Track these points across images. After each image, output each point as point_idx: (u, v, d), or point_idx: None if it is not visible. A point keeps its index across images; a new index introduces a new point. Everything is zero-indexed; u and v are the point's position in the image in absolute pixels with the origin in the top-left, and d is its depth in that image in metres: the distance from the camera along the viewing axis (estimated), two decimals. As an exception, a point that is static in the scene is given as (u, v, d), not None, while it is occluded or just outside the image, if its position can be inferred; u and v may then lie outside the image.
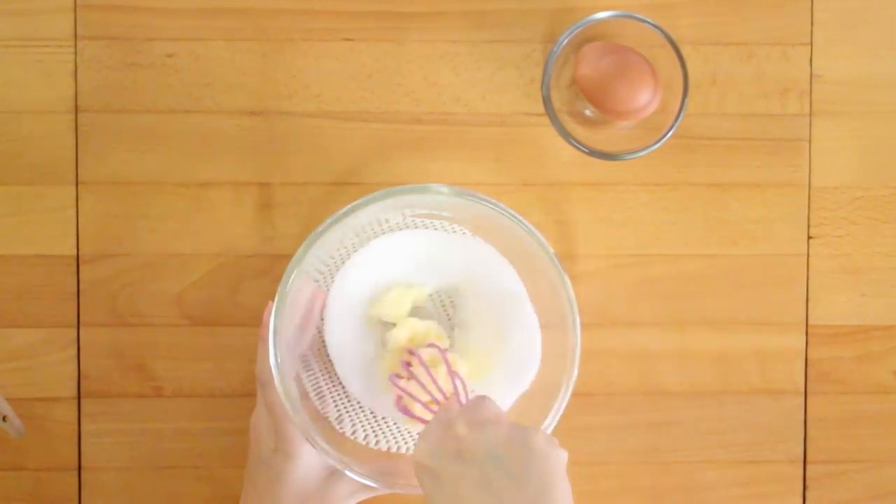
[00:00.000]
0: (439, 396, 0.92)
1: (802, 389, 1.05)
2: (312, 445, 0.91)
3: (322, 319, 0.99)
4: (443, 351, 0.94)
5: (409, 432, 1.00)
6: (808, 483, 1.05)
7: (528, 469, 0.79)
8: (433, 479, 0.82)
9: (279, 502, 0.92)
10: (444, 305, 1.00)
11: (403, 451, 0.99)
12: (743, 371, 1.05)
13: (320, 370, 1.00)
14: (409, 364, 0.94)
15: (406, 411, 0.92)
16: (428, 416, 0.92)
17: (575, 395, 0.94)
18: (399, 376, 0.94)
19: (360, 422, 0.99)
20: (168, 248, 1.03)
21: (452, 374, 0.92)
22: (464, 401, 0.90)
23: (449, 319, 1.00)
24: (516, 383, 0.98)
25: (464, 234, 1.00)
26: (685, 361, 1.05)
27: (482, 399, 0.86)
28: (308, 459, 0.93)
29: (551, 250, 0.94)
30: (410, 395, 0.92)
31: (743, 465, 1.05)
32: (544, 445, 0.80)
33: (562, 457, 0.81)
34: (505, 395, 0.98)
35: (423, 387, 0.92)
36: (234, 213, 1.03)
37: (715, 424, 1.05)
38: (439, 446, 0.83)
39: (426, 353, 0.94)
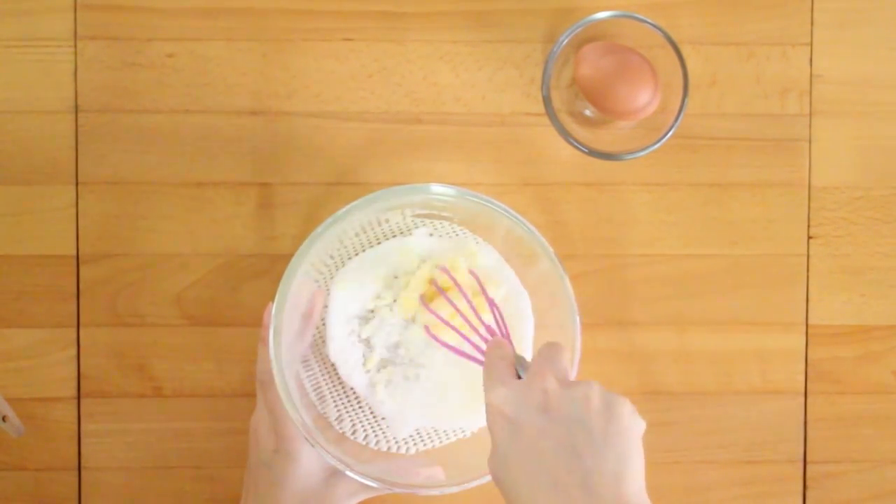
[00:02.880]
0: (477, 323, 0.90)
1: (802, 389, 1.05)
2: (312, 445, 0.91)
3: (322, 320, 0.99)
4: (478, 277, 0.93)
5: (409, 436, 1.00)
6: (808, 483, 1.05)
7: (612, 438, 0.78)
8: (512, 428, 0.79)
9: (279, 503, 0.92)
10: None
11: (403, 451, 0.99)
12: (743, 371, 1.05)
13: (320, 370, 1.00)
14: (439, 286, 0.93)
15: (437, 338, 0.91)
16: (454, 342, 0.91)
17: (575, 395, 0.93)
18: (428, 299, 0.93)
19: (360, 422, 0.99)
20: (168, 248, 1.02)
21: (491, 302, 0.91)
22: (503, 333, 0.89)
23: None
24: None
25: (464, 234, 1.00)
26: (685, 361, 1.04)
27: (557, 348, 0.83)
28: (308, 460, 0.93)
29: (551, 250, 0.93)
30: (443, 320, 0.91)
31: (743, 465, 1.05)
32: (629, 416, 0.79)
33: (641, 428, 0.80)
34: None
35: (458, 311, 0.91)
36: (233, 213, 1.02)
37: (715, 424, 1.04)
38: (524, 396, 0.80)
39: (461, 276, 0.94)
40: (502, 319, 0.90)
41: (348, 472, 0.92)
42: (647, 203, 1.04)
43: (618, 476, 0.77)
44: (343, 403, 1.00)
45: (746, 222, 1.04)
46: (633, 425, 0.79)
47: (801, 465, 1.05)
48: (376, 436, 0.99)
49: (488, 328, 0.89)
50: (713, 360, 1.05)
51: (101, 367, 1.02)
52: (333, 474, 0.93)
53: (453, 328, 0.91)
